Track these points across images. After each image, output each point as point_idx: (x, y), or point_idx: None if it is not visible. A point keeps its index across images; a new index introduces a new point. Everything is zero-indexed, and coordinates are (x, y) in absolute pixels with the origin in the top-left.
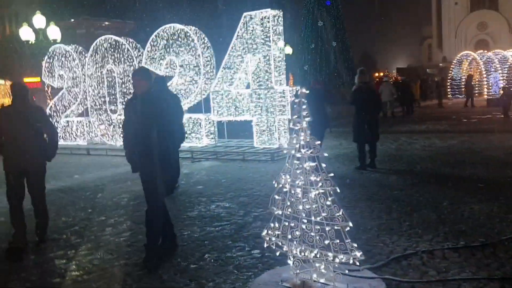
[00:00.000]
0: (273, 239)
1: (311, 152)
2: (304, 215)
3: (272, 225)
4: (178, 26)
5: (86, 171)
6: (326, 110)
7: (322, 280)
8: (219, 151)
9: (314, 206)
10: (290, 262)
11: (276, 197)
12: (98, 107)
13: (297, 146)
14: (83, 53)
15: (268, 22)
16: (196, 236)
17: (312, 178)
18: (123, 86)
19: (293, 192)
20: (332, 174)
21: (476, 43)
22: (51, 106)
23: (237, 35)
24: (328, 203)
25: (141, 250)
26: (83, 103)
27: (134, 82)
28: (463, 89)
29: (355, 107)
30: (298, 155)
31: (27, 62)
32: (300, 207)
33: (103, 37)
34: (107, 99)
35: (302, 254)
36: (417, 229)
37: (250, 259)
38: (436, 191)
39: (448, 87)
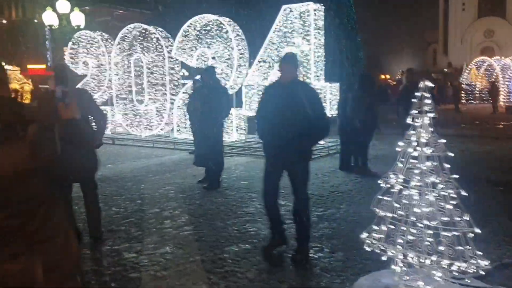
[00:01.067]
0: (376, 242)
1: (432, 151)
2: (416, 218)
3: (375, 227)
4: (211, 16)
5: (117, 160)
6: (374, 108)
7: None
8: (250, 146)
9: (431, 209)
10: (395, 267)
11: (384, 198)
12: (124, 96)
13: (415, 143)
14: (109, 40)
15: (309, 15)
16: (264, 233)
17: (431, 179)
18: (151, 76)
19: (406, 193)
20: (456, 176)
21: (481, 50)
22: None
23: (275, 29)
24: (449, 206)
25: (212, 245)
26: (107, 91)
27: (284, 67)
28: (476, 95)
29: (403, 106)
30: (415, 153)
31: (31, 48)
32: (416, 210)
33: (132, 25)
34: (134, 88)
35: (415, 260)
36: (502, 236)
37: (335, 261)
38: (499, 196)
39: (463, 92)
